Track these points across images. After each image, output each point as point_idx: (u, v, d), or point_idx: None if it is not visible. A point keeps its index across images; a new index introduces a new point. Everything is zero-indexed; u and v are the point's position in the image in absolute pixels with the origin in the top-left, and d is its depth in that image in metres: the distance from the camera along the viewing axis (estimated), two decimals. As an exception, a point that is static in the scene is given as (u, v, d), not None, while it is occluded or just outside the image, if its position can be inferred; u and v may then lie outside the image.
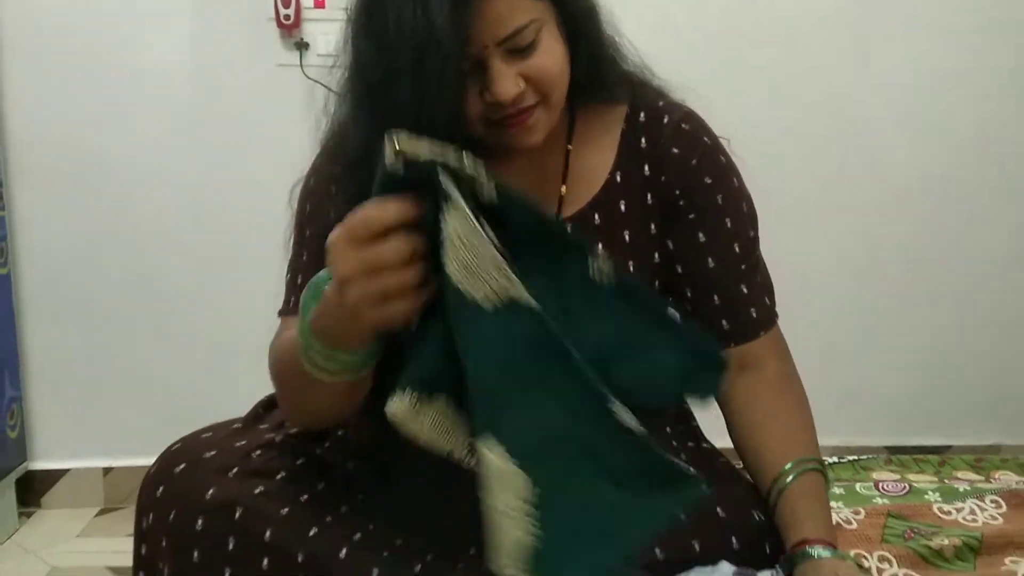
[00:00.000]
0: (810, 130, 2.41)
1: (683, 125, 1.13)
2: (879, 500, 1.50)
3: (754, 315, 1.15)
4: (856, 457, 1.71)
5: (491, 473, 0.82)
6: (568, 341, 0.85)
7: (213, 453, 1.06)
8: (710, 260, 1.13)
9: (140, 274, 2.34)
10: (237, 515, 1.01)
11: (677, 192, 1.13)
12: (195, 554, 1.02)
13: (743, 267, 1.15)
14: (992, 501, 1.49)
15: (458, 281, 0.81)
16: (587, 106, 1.14)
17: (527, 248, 0.86)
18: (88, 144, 2.28)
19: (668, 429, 1.22)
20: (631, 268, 1.12)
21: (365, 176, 1.00)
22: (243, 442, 1.09)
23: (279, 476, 1.06)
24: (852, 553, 1.33)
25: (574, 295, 0.88)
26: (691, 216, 1.13)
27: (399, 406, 0.84)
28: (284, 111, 2.14)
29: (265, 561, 1.01)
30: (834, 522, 1.43)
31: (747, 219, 1.16)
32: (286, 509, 1.03)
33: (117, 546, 2.20)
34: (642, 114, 1.14)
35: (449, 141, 0.96)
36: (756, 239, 1.17)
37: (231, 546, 1.01)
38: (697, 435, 1.25)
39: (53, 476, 2.40)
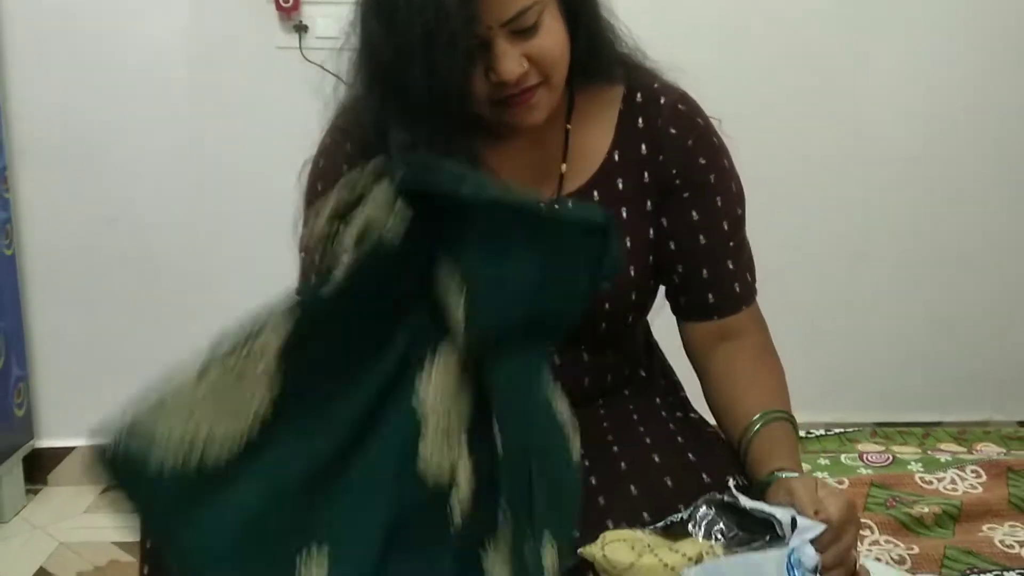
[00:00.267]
0: (802, 113, 2.43)
1: (679, 106, 1.17)
2: (863, 470, 1.56)
3: (737, 290, 1.19)
4: (843, 430, 1.76)
5: None
6: None
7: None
8: (701, 237, 1.17)
9: (143, 255, 2.37)
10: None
11: (674, 171, 1.16)
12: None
13: (731, 244, 1.19)
14: (972, 471, 1.54)
15: None
16: (585, 87, 1.18)
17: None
18: (90, 126, 2.30)
19: (658, 400, 1.26)
20: (627, 245, 1.16)
21: (378, 155, 1.05)
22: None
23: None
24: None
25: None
26: (685, 195, 1.17)
27: None
28: (283, 94, 2.19)
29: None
30: (818, 491, 1.49)
31: (736, 198, 1.20)
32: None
33: (123, 522, 2.24)
34: (639, 95, 1.17)
35: (456, 121, 1.02)
36: (743, 218, 1.21)
37: None
38: (685, 406, 1.29)
39: (59, 454, 2.44)
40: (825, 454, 1.62)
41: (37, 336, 2.38)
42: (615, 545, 0.95)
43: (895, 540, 1.34)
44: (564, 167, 1.17)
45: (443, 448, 0.88)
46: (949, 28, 2.43)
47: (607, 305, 1.16)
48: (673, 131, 1.15)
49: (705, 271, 1.18)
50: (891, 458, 1.61)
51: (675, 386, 1.32)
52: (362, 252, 0.89)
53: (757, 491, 1.03)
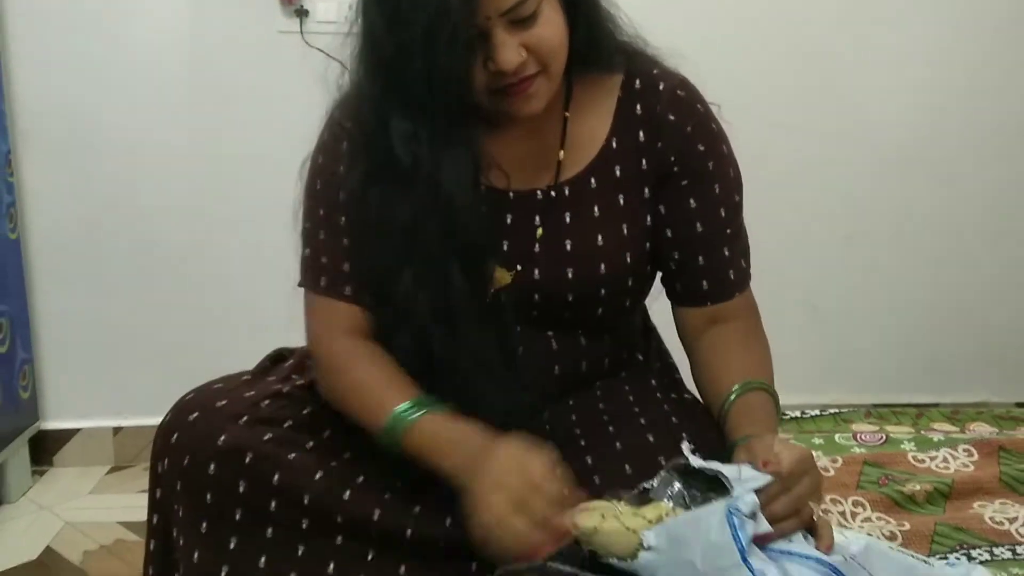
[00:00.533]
0: (798, 95, 2.44)
1: (678, 92, 1.18)
2: (856, 449, 1.57)
3: (732, 277, 1.21)
4: (837, 410, 1.78)
5: None
6: None
7: (224, 402, 1.12)
8: (699, 224, 1.19)
9: (146, 238, 2.39)
10: (247, 460, 1.07)
11: (672, 158, 1.18)
12: (208, 497, 1.08)
13: (727, 231, 1.20)
14: (965, 450, 1.56)
15: None
16: (584, 75, 1.19)
17: None
18: (92, 110, 2.32)
19: (653, 382, 1.29)
20: (624, 231, 1.18)
21: (379, 143, 1.06)
22: (252, 392, 1.16)
23: (286, 424, 1.13)
24: (828, 498, 1.41)
25: None
26: (684, 182, 1.18)
27: None
28: (284, 78, 2.20)
29: (273, 503, 1.08)
30: (812, 470, 1.51)
31: (733, 185, 1.21)
32: (293, 455, 1.09)
33: (128, 502, 2.27)
34: (637, 82, 1.18)
35: (457, 111, 1.03)
36: (740, 204, 1.22)
37: (242, 489, 1.07)
38: (680, 387, 1.31)
39: (64, 436, 2.47)
40: (819, 433, 1.64)
41: (42, 319, 2.41)
42: (585, 514, 0.99)
43: (887, 517, 1.36)
44: (562, 154, 1.19)
45: None
46: (944, 14, 2.44)
47: (604, 291, 1.18)
48: (672, 117, 1.17)
49: (701, 258, 1.20)
50: (884, 437, 1.63)
51: (671, 368, 1.35)
52: None
53: (727, 456, 1.05)
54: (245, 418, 1.11)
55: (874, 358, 2.62)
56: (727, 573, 0.93)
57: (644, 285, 1.25)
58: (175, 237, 2.40)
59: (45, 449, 2.46)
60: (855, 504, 1.39)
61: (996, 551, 1.28)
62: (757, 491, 0.96)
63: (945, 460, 1.54)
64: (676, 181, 1.18)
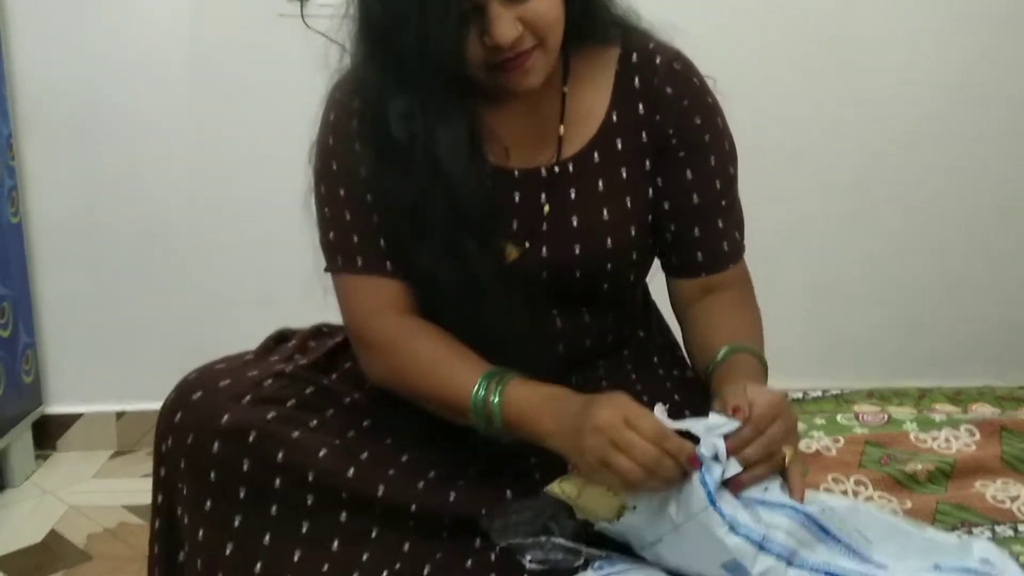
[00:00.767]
0: (803, 75, 2.43)
1: (675, 65, 1.18)
2: (858, 429, 1.57)
3: (726, 248, 1.22)
4: (839, 391, 1.78)
5: None
6: None
7: (227, 382, 1.13)
8: (695, 196, 1.19)
9: (148, 221, 2.38)
10: (251, 438, 1.08)
11: (670, 131, 1.18)
12: (212, 475, 1.09)
13: (722, 203, 1.21)
14: (967, 430, 1.56)
15: None
16: (581, 49, 1.19)
17: None
18: (93, 94, 2.32)
19: (655, 359, 1.29)
20: (628, 204, 1.18)
21: (383, 123, 1.06)
22: (255, 372, 1.16)
23: (289, 403, 1.14)
24: (829, 477, 1.41)
25: None
26: (681, 154, 1.19)
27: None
28: (285, 61, 2.19)
29: (277, 481, 1.09)
30: (814, 449, 1.51)
31: (729, 157, 1.22)
32: (297, 433, 1.10)
33: (131, 486, 2.28)
34: (634, 55, 1.19)
35: (452, 86, 1.03)
36: (735, 176, 1.23)
37: (245, 467, 1.08)
38: (682, 364, 1.32)
39: (67, 420, 2.47)
40: (821, 414, 1.64)
41: (44, 303, 2.41)
42: (569, 479, 1.01)
43: (888, 496, 1.36)
44: (562, 130, 1.19)
45: None
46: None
47: (609, 265, 1.18)
48: (669, 90, 1.17)
49: (697, 229, 1.20)
50: (886, 417, 1.63)
51: (672, 345, 1.35)
52: None
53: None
54: (248, 397, 1.11)
55: (876, 343, 2.62)
56: (698, 519, 0.94)
57: (647, 258, 1.26)
58: (177, 220, 2.40)
59: (48, 434, 2.46)
60: (857, 483, 1.39)
61: (998, 529, 1.28)
62: (726, 436, 0.96)
63: (947, 440, 1.54)
64: (674, 153, 1.19)
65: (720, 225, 1.21)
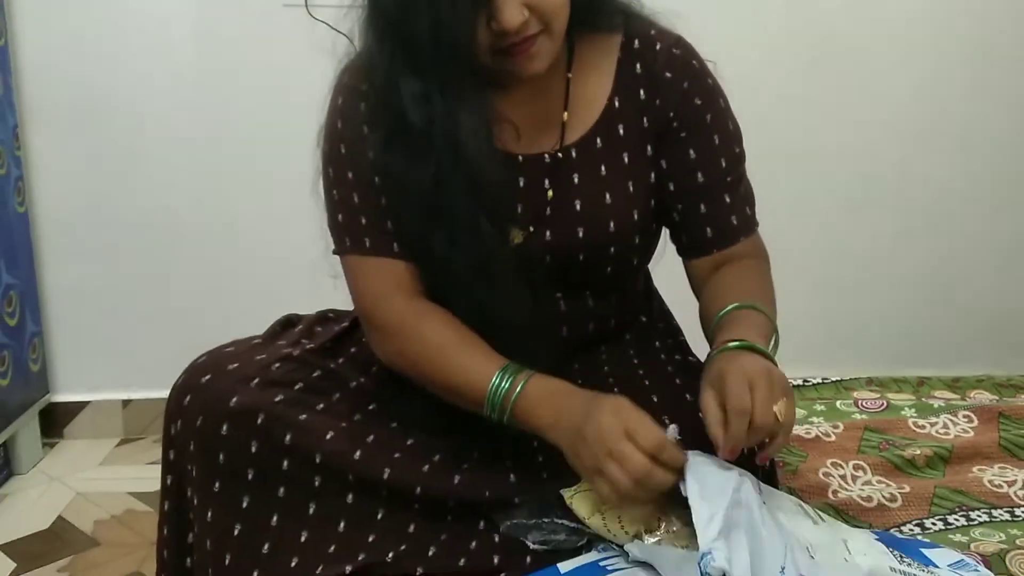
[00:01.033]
0: (803, 64, 2.44)
1: (674, 50, 1.19)
2: (858, 416, 1.60)
3: (735, 223, 1.22)
4: (839, 378, 1.80)
5: None
6: None
7: (236, 365, 1.14)
8: (699, 175, 1.20)
9: (153, 212, 2.39)
10: (259, 421, 1.10)
11: (671, 114, 1.19)
12: (220, 457, 1.11)
13: (728, 180, 1.22)
14: (965, 416, 1.58)
15: None
16: (585, 35, 1.20)
17: None
18: (99, 85, 2.32)
19: (657, 344, 1.31)
20: (630, 188, 1.19)
21: (394, 107, 1.08)
22: (263, 356, 1.18)
23: (297, 387, 1.15)
24: (828, 462, 1.43)
25: None
26: (683, 135, 1.20)
27: None
28: (290, 51, 2.20)
29: (285, 462, 1.10)
30: (813, 435, 1.53)
31: (733, 137, 1.23)
32: (304, 415, 1.12)
33: (137, 473, 2.30)
34: (636, 41, 1.20)
35: (467, 70, 1.05)
36: (741, 155, 1.23)
37: (254, 449, 1.10)
38: (684, 349, 1.33)
39: (74, 408, 2.49)
40: (821, 400, 1.66)
41: (51, 293, 2.42)
42: (581, 498, 1.03)
43: (887, 480, 1.39)
44: (566, 115, 1.20)
45: None
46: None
47: (612, 249, 1.20)
48: (668, 75, 1.18)
49: (703, 206, 1.21)
50: (885, 404, 1.65)
51: (674, 330, 1.36)
52: None
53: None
54: (256, 380, 1.13)
55: (877, 331, 2.62)
56: None
57: (651, 243, 1.27)
58: (183, 210, 2.41)
59: (55, 421, 2.47)
60: (856, 468, 1.41)
61: (995, 513, 1.30)
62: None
63: (945, 426, 1.56)
64: (676, 135, 1.20)
65: (728, 200, 1.21)
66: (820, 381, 1.80)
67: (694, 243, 1.23)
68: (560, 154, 1.18)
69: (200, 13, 2.32)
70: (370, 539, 1.11)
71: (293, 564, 1.09)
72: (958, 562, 1.02)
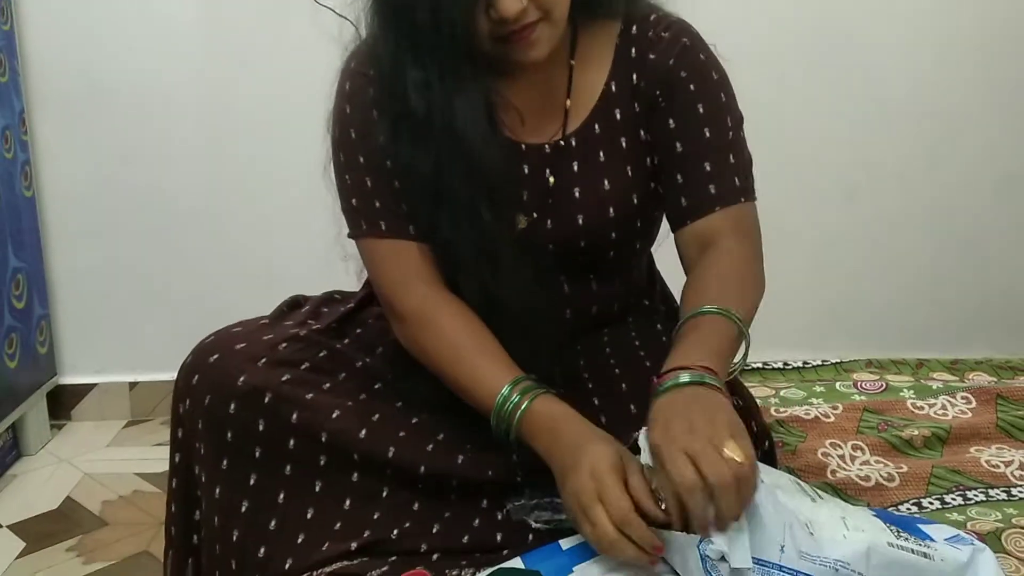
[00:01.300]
0: (803, 48, 2.44)
1: (663, 33, 1.19)
2: (857, 397, 1.61)
3: (712, 191, 1.16)
4: (839, 360, 1.81)
5: None
6: None
7: (243, 345, 1.16)
8: (678, 144, 1.18)
9: (159, 194, 2.41)
10: (266, 400, 1.12)
11: (657, 92, 1.18)
12: (228, 435, 1.13)
13: (712, 148, 1.18)
14: (963, 397, 1.59)
15: None
16: (587, 22, 1.20)
17: None
18: (105, 70, 2.34)
19: (659, 326, 1.32)
20: (628, 173, 1.20)
21: (398, 94, 1.09)
22: (270, 336, 1.19)
23: (303, 366, 1.17)
24: (827, 443, 1.45)
25: None
26: (663, 104, 1.18)
27: None
28: (296, 36, 2.21)
29: (292, 441, 1.12)
30: (812, 416, 1.54)
31: (725, 107, 1.20)
32: (310, 395, 1.14)
33: (145, 454, 2.32)
34: (634, 27, 1.20)
35: (467, 57, 1.05)
36: (732, 128, 1.19)
37: (261, 427, 1.12)
38: (685, 333, 1.34)
39: (81, 390, 2.51)
40: (820, 382, 1.67)
41: (58, 275, 2.44)
42: None
43: (885, 460, 1.40)
44: (568, 103, 1.21)
45: None
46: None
47: (613, 234, 1.21)
48: (652, 56, 1.18)
49: (680, 175, 1.18)
50: (884, 386, 1.66)
51: (676, 313, 1.37)
52: None
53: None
54: (264, 360, 1.15)
55: (876, 314, 2.63)
56: None
57: (652, 226, 1.28)
58: (189, 193, 2.42)
59: (63, 403, 2.50)
60: (854, 448, 1.43)
61: (991, 492, 1.32)
62: None
63: (943, 407, 1.57)
64: (660, 107, 1.19)
65: (707, 168, 1.16)
66: (820, 363, 1.82)
67: (673, 213, 1.20)
68: (562, 143, 1.19)
69: (206, -1, 2.33)
70: (375, 516, 1.13)
71: (300, 540, 1.11)
72: (954, 536, 1.03)
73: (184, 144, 2.40)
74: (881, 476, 1.36)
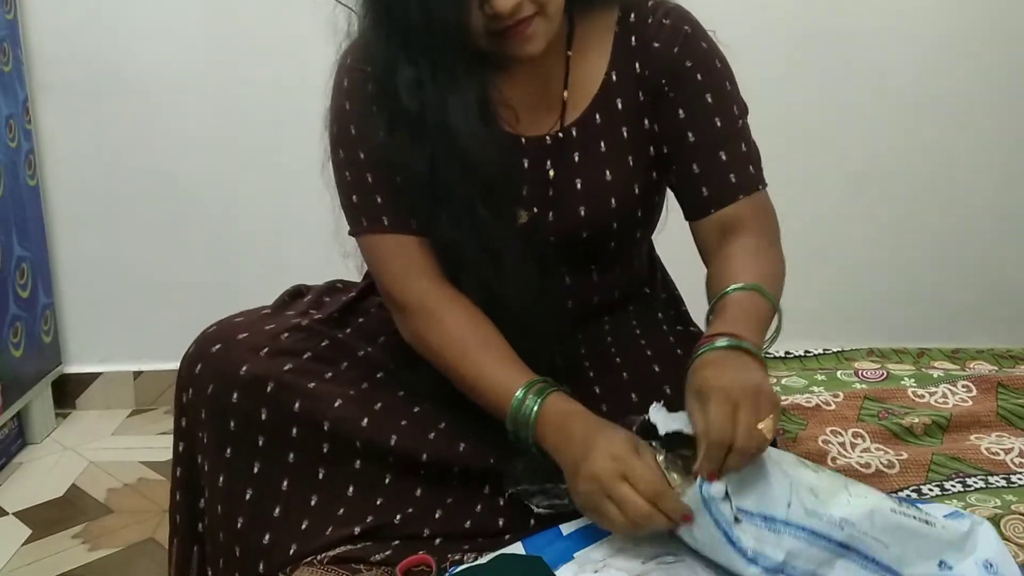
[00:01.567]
0: (805, 36, 2.44)
1: (664, 20, 1.19)
2: (858, 385, 1.61)
3: (733, 180, 1.17)
4: (840, 348, 1.82)
5: None
6: None
7: (246, 335, 1.17)
8: (690, 134, 1.18)
9: (164, 183, 2.42)
10: (268, 389, 1.13)
11: (663, 81, 1.18)
12: (231, 424, 1.14)
13: (724, 138, 1.19)
14: (964, 386, 1.60)
15: None
16: (584, 12, 1.20)
17: None
18: (109, 59, 2.34)
19: (659, 314, 1.33)
20: (630, 163, 1.20)
21: (392, 92, 1.09)
22: (272, 325, 1.20)
23: (305, 355, 1.18)
24: (828, 430, 1.45)
25: None
26: (671, 95, 1.19)
27: None
28: (300, 25, 2.20)
29: (294, 429, 1.13)
30: (813, 404, 1.55)
31: (730, 96, 1.20)
32: (312, 384, 1.14)
33: (149, 443, 2.34)
34: (633, 14, 1.20)
35: (459, 54, 1.06)
36: (739, 116, 1.21)
37: (264, 416, 1.13)
38: (685, 319, 1.35)
39: (86, 379, 2.53)
40: (822, 371, 1.68)
41: (62, 265, 2.46)
42: None
43: (885, 448, 1.41)
44: (566, 95, 1.20)
45: None
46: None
47: (615, 225, 1.21)
48: (656, 44, 1.18)
49: (695, 166, 1.18)
50: (885, 374, 1.66)
51: (676, 301, 1.38)
52: None
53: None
54: (266, 349, 1.16)
55: (877, 304, 2.63)
56: (715, 553, 0.96)
57: (653, 216, 1.28)
58: (193, 181, 2.43)
59: (68, 392, 2.52)
60: (855, 435, 1.43)
61: (991, 479, 1.32)
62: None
63: (944, 395, 1.57)
64: (667, 97, 1.19)
65: (723, 158, 1.18)
66: (821, 352, 1.82)
67: (693, 204, 1.20)
68: (561, 134, 1.19)
69: (208, -13, 2.34)
70: (378, 502, 1.14)
71: (303, 526, 1.12)
72: (952, 513, 1.05)
73: (189, 133, 2.40)
74: (881, 463, 1.36)
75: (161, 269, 2.47)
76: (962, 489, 1.30)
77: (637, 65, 1.19)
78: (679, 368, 1.20)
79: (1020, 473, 1.34)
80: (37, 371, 2.33)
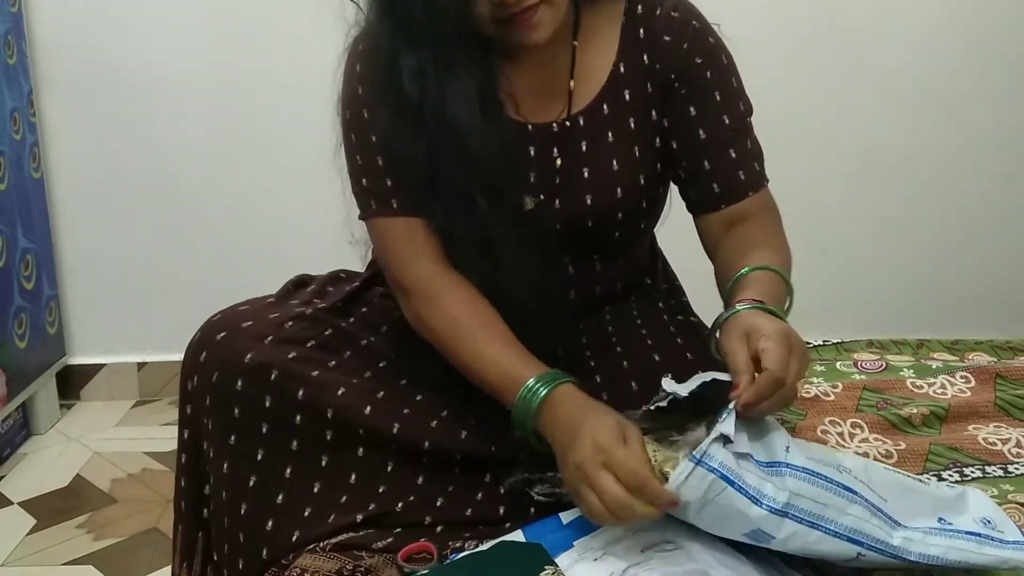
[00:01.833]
0: (806, 33, 2.44)
1: (673, 13, 1.20)
2: (857, 376, 1.62)
3: (742, 178, 1.21)
4: (840, 340, 1.83)
5: None
6: None
7: (250, 323, 1.18)
8: (701, 132, 1.20)
9: (167, 174, 2.44)
10: (272, 377, 1.14)
11: (672, 76, 1.20)
12: (235, 411, 1.15)
13: (733, 136, 1.21)
14: (962, 377, 1.60)
15: None
16: (590, 2, 1.21)
17: None
18: (113, 52, 2.36)
19: (660, 304, 1.34)
20: (636, 154, 1.21)
21: (395, 81, 1.10)
22: (276, 314, 1.21)
23: (309, 344, 1.19)
24: (827, 420, 1.46)
25: None
26: (683, 92, 1.20)
27: None
28: (303, 17, 2.22)
29: (298, 417, 1.14)
30: (812, 394, 1.56)
31: (737, 93, 1.23)
32: (316, 372, 1.15)
33: (153, 433, 2.36)
34: (639, 6, 1.21)
35: (460, 43, 1.06)
36: (747, 111, 1.23)
37: (268, 404, 1.14)
38: (686, 310, 1.36)
39: (90, 370, 2.55)
40: (821, 361, 1.68)
41: (66, 256, 2.47)
42: None
43: (883, 438, 1.41)
44: (572, 84, 1.21)
45: None
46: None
47: (620, 215, 1.22)
48: (667, 38, 1.19)
49: (707, 163, 1.21)
50: (884, 365, 1.67)
51: (677, 291, 1.39)
52: None
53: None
54: (270, 338, 1.17)
55: (878, 296, 2.64)
56: (717, 501, 0.94)
57: (657, 207, 1.29)
58: (196, 173, 2.44)
59: (72, 383, 2.54)
60: (853, 426, 1.44)
61: (988, 469, 1.33)
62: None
63: (943, 386, 1.57)
64: (677, 94, 1.20)
65: (732, 155, 1.21)
66: (821, 343, 1.83)
67: (703, 199, 1.23)
68: (568, 122, 1.20)
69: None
70: (380, 490, 1.15)
71: (306, 513, 1.13)
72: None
73: (192, 127, 2.42)
74: (879, 453, 1.37)
75: (165, 261, 2.48)
76: (960, 479, 1.30)
77: (646, 57, 1.20)
78: (680, 357, 1.23)
79: (1017, 463, 1.34)
80: (41, 362, 2.35)
